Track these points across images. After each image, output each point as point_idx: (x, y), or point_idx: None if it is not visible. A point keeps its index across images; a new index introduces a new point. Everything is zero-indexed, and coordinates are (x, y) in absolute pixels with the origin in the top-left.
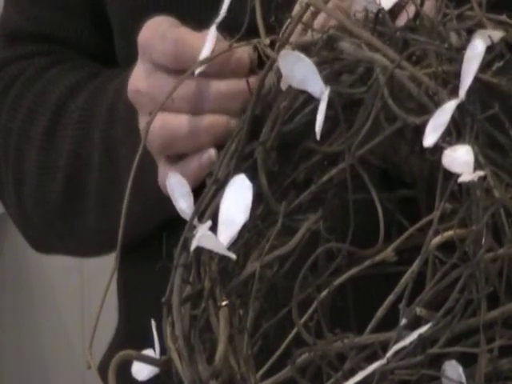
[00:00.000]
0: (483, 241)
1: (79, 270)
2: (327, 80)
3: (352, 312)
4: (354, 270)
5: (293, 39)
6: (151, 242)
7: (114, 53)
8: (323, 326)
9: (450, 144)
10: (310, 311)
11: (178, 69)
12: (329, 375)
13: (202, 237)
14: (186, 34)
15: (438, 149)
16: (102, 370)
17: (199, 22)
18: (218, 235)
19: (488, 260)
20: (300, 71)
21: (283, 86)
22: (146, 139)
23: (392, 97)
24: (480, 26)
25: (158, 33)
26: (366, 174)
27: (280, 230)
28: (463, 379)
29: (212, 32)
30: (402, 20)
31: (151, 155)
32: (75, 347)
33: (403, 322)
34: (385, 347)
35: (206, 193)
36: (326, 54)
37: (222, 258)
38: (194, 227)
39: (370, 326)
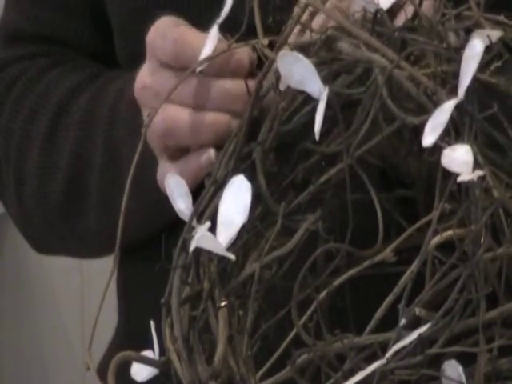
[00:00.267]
0: (482, 241)
1: (79, 271)
2: (326, 80)
3: (351, 312)
4: (353, 271)
5: (291, 40)
6: (150, 243)
7: (113, 53)
8: (322, 327)
9: (449, 144)
10: (309, 312)
11: (179, 67)
12: (328, 375)
13: (201, 238)
14: (186, 33)
15: (436, 149)
16: (102, 370)
17: (199, 22)
18: (217, 236)
19: (487, 260)
20: (298, 72)
21: (282, 86)
22: (146, 133)
23: (391, 97)
24: (478, 25)
25: (160, 32)
26: (364, 175)
27: (279, 231)
28: (463, 379)
29: (213, 32)
30: (400, 20)
31: (152, 154)
32: (75, 347)
33: (403, 322)
34: (384, 347)
35: (205, 193)
36: (324, 54)
37: (221, 258)
38: (193, 228)
39: (369, 327)
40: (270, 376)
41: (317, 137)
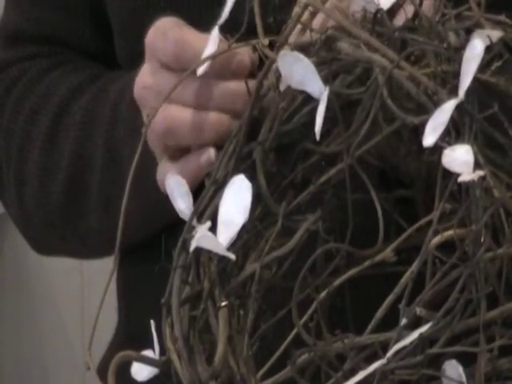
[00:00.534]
0: (482, 241)
1: (79, 271)
2: (326, 80)
3: (351, 312)
4: (353, 271)
5: (291, 40)
6: (150, 243)
7: (114, 53)
8: (323, 327)
9: (450, 144)
10: (309, 312)
11: (180, 68)
12: (329, 375)
13: (201, 237)
14: (186, 34)
15: (437, 149)
16: (102, 370)
17: (199, 23)
18: (217, 236)
19: (487, 260)
20: (299, 71)
21: (282, 86)
22: (146, 133)
23: (391, 97)
24: (478, 25)
25: (161, 33)
26: (364, 175)
27: (279, 231)
28: (463, 379)
29: (215, 33)
30: (400, 20)
31: (152, 155)
32: (75, 347)
33: (403, 321)
34: (385, 347)
35: (205, 193)
36: (324, 54)
37: (222, 258)
38: (193, 228)
39: (369, 326)
40: (270, 376)
41: (317, 137)
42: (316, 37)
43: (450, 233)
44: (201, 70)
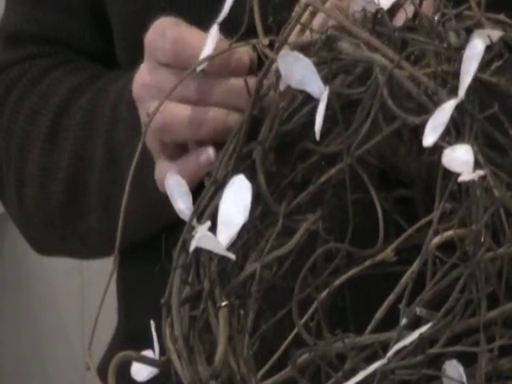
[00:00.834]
0: (483, 240)
1: (79, 271)
2: (326, 80)
3: (351, 312)
4: (354, 270)
5: (291, 39)
6: (150, 243)
7: (114, 54)
8: (323, 327)
9: (450, 144)
10: (310, 311)
11: (179, 66)
12: (329, 375)
13: (201, 237)
14: (185, 32)
15: (437, 148)
16: (102, 370)
17: (199, 23)
18: (217, 236)
19: (488, 260)
20: (299, 71)
21: (282, 86)
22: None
23: (391, 97)
24: (478, 25)
25: (159, 32)
26: (364, 175)
27: (279, 231)
28: (464, 379)
29: (214, 31)
30: (400, 20)
31: (152, 154)
32: (75, 347)
33: (403, 321)
34: (385, 347)
35: (205, 193)
36: (324, 54)
37: (222, 258)
38: (193, 228)
39: (370, 326)
40: (270, 376)
41: (317, 137)
42: (316, 37)
43: (450, 233)
44: (201, 67)
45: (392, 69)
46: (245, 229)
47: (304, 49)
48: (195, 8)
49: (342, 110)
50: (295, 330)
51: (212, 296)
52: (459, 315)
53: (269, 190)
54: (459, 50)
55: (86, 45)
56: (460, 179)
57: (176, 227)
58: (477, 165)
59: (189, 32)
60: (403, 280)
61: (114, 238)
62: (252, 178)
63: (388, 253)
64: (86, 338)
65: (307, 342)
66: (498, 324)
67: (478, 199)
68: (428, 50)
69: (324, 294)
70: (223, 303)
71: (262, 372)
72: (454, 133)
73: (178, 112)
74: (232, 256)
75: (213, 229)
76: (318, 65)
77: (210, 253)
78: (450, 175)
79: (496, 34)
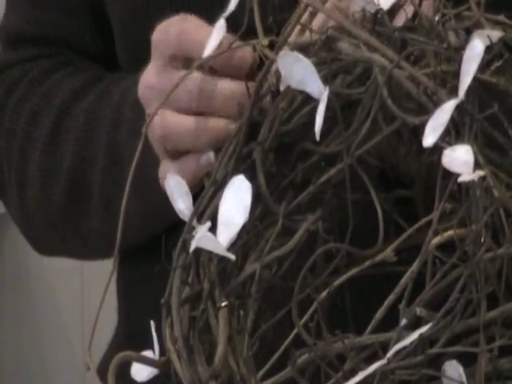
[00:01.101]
0: (483, 240)
1: (79, 271)
2: (326, 80)
3: (351, 312)
4: (353, 271)
5: (291, 40)
6: (150, 244)
7: (114, 54)
8: (323, 327)
9: (450, 144)
10: (309, 312)
11: (184, 57)
12: (329, 376)
13: (201, 238)
14: (188, 25)
15: (437, 149)
16: (102, 371)
17: None
18: (217, 236)
19: (487, 260)
20: (299, 72)
21: (282, 86)
22: (146, 133)
23: (391, 97)
24: (478, 25)
25: (164, 29)
26: (364, 175)
27: (279, 231)
28: (464, 379)
29: (220, 24)
30: (400, 20)
31: (153, 155)
32: (75, 347)
33: (403, 322)
34: (385, 347)
35: (205, 194)
36: (324, 54)
37: (221, 259)
38: (193, 228)
39: (370, 327)
40: (270, 376)
41: (317, 137)
42: (316, 37)
43: (450, 233)
44: (206, 53)
45: (391, 69)
46: (245, 229)
47: (304, 49)
48: (195, 7)
49: (342, 110)
50: (295, 330)
51: (212, 296)
52: (459, 315)
53: (269, 190)
54: (459, 50)
55: (86, 45)
56: (460, 179)
57: (176, 228)
58: (477, 165)
59: (193, 24)
60: (403, 280)
61: (115, 239)
62: (252, 178)
63: (388, 253)
64: (86, 338)
65: (307, 342)
66: (498, 324)
67: (477, 199)
68: (428, 50)
69: (324, 294)
70: (223, 303)
71: (261, 372)
72: (453, 133)
73: (179, 123)
74: (232, 256)
75: (213, 229)
76: (318, 65)
77: (209, 253)
78: (449, 175)
79: (496, 34)
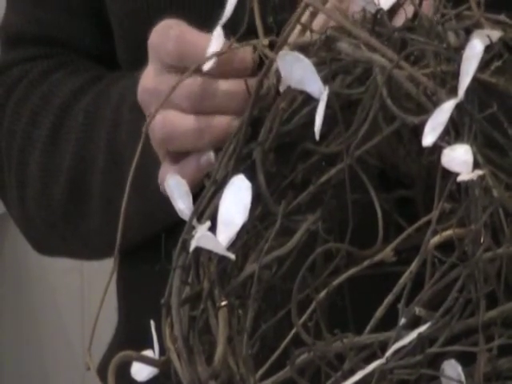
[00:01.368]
0: (482, 240)
1: (79, 271)
2: (326, 80)
3: (351, 312)
4: (353, 270)
5: (291, 40)
6: (150, 244)
7: (115, 54)
8: (322, 327)
9: (449, 144)
10: (308, 311)
11: (183, 66)
12: (328, 375)
13: (201, 237)
14: (187, 32)
15: (436, 148)
16: (102, 370)
17: (200, 23)
18: (217, 236)
19: (487, 259)
20: (299, 71)
21: (282, 86)
22: (146, 134)
23: (390, 97)
24: (478, 25)
25: (163, 33)
26: (364, 175)
27: (278, 231)
28: (462, 378)
29: (218, 31)
30: (400, 20)
31: (153, 155)
32: (75, 347)
33: (402, 321)
34: (384, 347)
35: (205, 194)
36: (324, 54)
37: (221, 258)
38: (193, 228)
39: (369, 326)
40: (269, 376)
41: (317, 137)
42: (316, 37)
43: (449, 232)
44: (207, 66)
45: (391, 69)
46: (244, 229)
47: (304, 49)
48: (195, 8)
49: (342, 110)
50: (294, 330)
51: (212, 296)
52: (458, 315)
53: (269, 190)
54: (459, 50)
55: (86, 45)
56: (459, 179)
57: (176, 227)
58: (476, 165)
59: (192, 32)
60: (402, 280)
61: (115, 239)
62: (252, 178)
63: (387, 253)
64: (86, 338)
65: (306, 342)
66: (497, 324)
67: (477, 199)
68: (427, 50)
69: (323, 294)
70: (223, 303)
71: (261, 372)
72: (453, 133)
73: (180, 123)
74: (232, 256)
75: (213, 229)
76: (318, 65)
77: (209, 253)
78: (449, 175)
79: (495, 34)
